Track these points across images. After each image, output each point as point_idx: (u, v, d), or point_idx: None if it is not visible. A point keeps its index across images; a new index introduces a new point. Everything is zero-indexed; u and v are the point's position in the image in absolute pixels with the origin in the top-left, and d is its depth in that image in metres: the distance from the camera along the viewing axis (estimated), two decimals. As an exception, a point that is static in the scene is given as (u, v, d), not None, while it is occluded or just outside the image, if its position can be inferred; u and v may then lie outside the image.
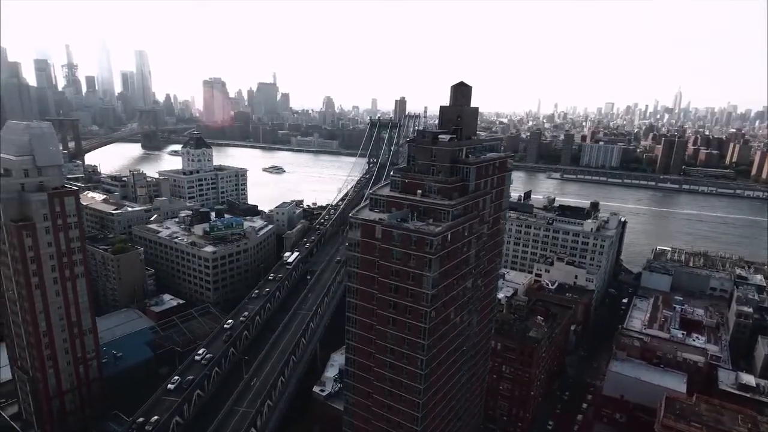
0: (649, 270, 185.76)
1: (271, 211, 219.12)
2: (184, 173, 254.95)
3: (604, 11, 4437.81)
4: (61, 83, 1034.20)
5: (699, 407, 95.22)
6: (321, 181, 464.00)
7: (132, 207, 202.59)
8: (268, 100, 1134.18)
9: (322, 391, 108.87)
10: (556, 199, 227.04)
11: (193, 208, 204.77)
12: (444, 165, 70.70)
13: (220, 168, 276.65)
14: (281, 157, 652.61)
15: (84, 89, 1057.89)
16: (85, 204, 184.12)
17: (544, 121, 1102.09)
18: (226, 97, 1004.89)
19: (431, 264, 61.70)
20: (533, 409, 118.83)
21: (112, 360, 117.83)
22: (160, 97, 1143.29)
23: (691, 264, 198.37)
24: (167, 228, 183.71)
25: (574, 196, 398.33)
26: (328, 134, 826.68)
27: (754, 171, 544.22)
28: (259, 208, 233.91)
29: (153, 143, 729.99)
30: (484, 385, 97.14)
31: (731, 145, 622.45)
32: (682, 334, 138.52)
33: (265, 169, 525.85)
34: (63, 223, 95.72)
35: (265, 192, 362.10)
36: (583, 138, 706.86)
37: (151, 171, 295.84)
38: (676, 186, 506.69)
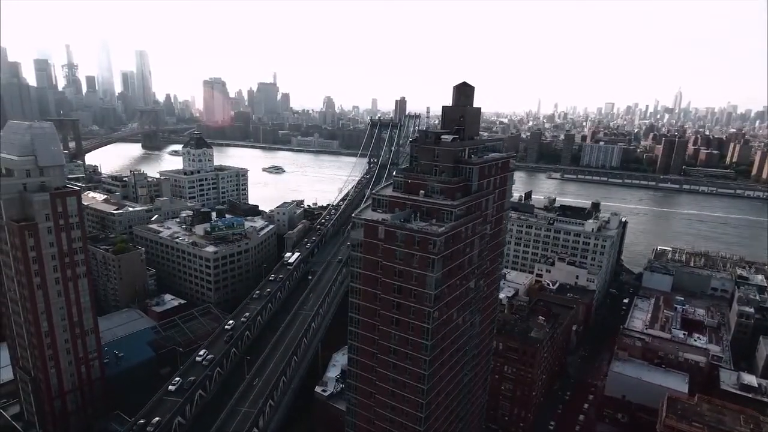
0: (650, 270, 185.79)
1: (272, 211, 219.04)
2: (185, 173, 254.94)
3: (604, 11, 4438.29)
4: (61, 83, 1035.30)
5: (701, 407, 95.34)
6: (321, 181, 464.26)
7: (133, 207, 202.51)
8: (269, 100, 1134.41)
9: (324, 391, 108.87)
10: (557, 199, 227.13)
11: (194, 208, 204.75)
12: (447, 165, 70.66)
13: (221, 168, 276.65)
14: (281, 157, 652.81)
15: (84, 89, 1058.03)
16: (86, 204, 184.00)
17: (545, 121, 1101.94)
18: (226, 97, 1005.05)
19: (434, 264, 61.68)
20: (535, 409, 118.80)
21: (114, 360, 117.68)
22: (161, 97, 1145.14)
23: (691, 264, 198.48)
24: (168, 228, 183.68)
25: (574, 196, 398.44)
26: (329, 134, 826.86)
27: (754, 171, 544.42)
28: (260, 208, 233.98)
29: (153, 143, 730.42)
30: (486, 385, 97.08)
31: (731, 145, 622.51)
32: (684, 334, 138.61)
33: (264, 169, 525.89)
34: (65, 223, 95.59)
35: (266, 192, 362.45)
36: (584, 138, 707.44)
37: (152, 171, 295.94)
38: (677, 186, 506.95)
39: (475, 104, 79.45)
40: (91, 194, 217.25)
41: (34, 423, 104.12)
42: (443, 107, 78.45)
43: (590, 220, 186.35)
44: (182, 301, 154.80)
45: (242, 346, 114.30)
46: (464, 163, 71.84)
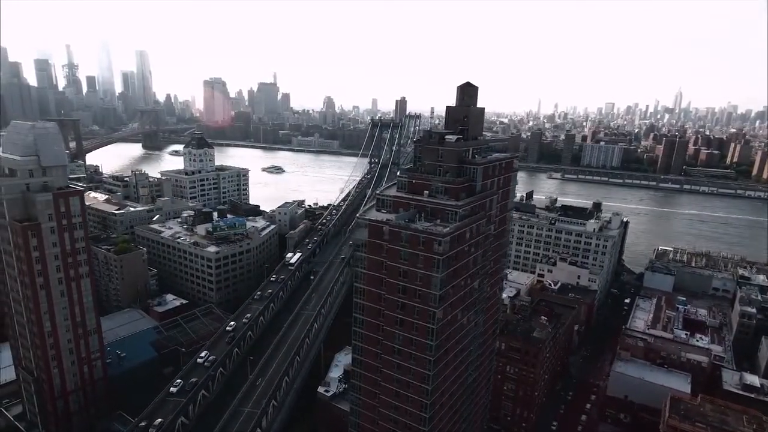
0: (651, 270, 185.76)
1: (273, 211, 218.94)
2: (186, 173, 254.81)
3: (604, 11, 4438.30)
4: (61, 83, 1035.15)
5: (704, 408, 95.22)
6: (322, 181, 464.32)
7: (134, 207, 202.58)
8: (269, 100, 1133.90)
9: (327, 391, 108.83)
10: (558, 199, 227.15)
11: (195, 208, 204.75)
12: (451, 165, 70.61)
13: (222, 168, 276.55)
14: (282, 157, 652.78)
15: (84, 89, 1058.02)
16: (87, 204, 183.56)
17: (545, 121, 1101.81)
18: (226, 97, 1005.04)
19: (439, 265, 61.63)
20: (537, 409, 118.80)
21: (116, 360, 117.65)
22: (161, 97, 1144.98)
23: (693, 264, 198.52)
24: (170, 228, 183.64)
25: (575, 196, 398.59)
26: (329, 134, 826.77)
27: (754, 171, 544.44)
28: (261, 209, 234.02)
29: (154, 143, 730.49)
30: (489, 385, 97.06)
31: (732, 145, 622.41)
32: (686, 334, 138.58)
33: (264, 169, 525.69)
34: (68, 223, 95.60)
35: (267, 192, 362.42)
36: (584, 138, 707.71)
37: (152, 171, 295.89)
38: (677, 186, 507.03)
39: (477, 104, 79.41)
40: (93, 194, 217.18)
41: (36, 423, 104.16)
42: (447, 107, 78.43)
43: (592, 220, 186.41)
44: (184, 301, 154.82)
45: (245, 347, 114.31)
46: (468, 164, 71.81)
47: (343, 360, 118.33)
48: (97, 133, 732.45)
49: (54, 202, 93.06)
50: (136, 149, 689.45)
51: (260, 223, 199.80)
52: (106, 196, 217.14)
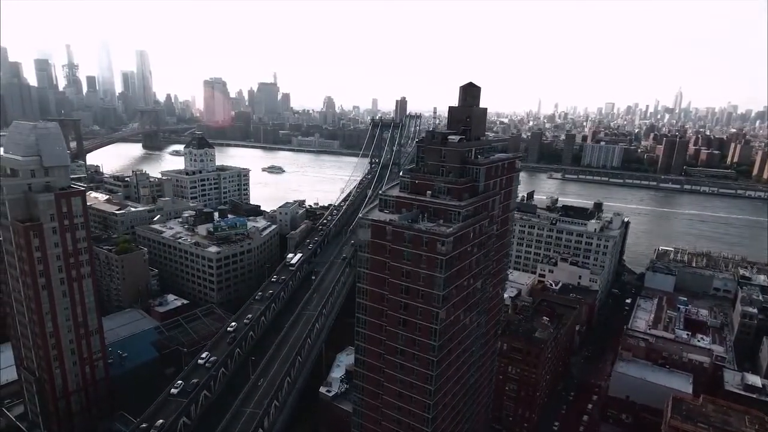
0: (652, 270, 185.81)
1: (274, 211, 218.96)
2: (187, 173, 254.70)
3: (604, 11, 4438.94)
4: (62, 83, 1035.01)
5: (706, 408, 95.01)
6: (322, 181, 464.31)
7: (135, 207, 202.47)
8: (269, 100, 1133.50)
9: (329, 391, 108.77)
10: (559, 199, 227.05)
11: (196, 208, 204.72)
12: (454, 166, 70.58)
13: (223, 168, 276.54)
14: (282, 157, 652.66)
15: (85, 89, 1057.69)
16: (88, 204, 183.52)
17: (545, 121, 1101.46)
18: (226, 97, 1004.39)
19: (443, 265, 61.61)
20: (539, 409, 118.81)
21: (118, 360, 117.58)
22: (161, 97, 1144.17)
23: (693, 264, 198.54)
24: (171, 228, 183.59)
25: (575, 197, 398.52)
26: (329, 134, 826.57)
27: (755, 171, 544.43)
28: (262, 209, 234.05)
29: (154, 143, 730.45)
30: (491, 386, 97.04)
31: (732, 145, 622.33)
32: (687, 334, 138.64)
33: (264, 169, 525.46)
34: (70, 224, 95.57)
35: (267, 192, 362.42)
36: (584, 138, 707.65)
37: (153, 171, 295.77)
38: (678, 186, 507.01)
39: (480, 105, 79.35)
40: (94, 194, 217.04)
41: (38, 423, 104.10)
42: (449, 107, 78.41)
43: (593, 221, 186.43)
44: (185, 302, 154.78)
45: (246, 347, 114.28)
46: (471, 164, 71.77)
47: (344, 360, 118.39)
48: (98, 133, 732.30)
49: (56, 202, 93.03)
50: (136, 149, 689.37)
51: (261, 223, 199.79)
52: (107, 196, 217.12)
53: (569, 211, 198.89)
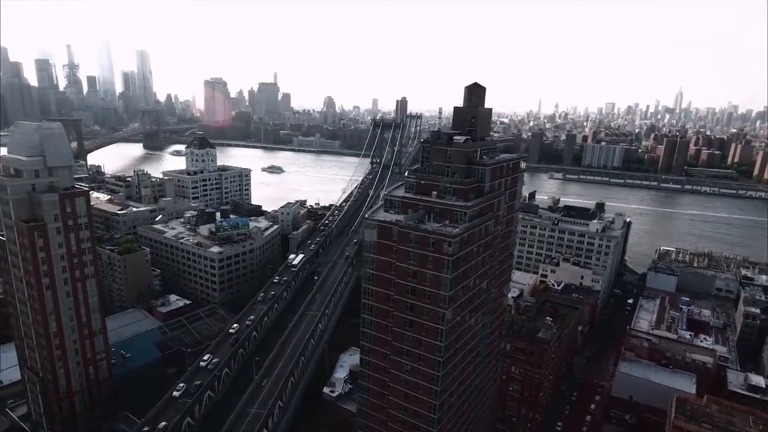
0: (654, 270, 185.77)
1: (275, 211, 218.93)
2: (188, 173, 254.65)
3: (605, 11, 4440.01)
4: (62, 83, 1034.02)
5: (710, 408, 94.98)
6: (323, 181, 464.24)
7: (137, 207, 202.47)
8: (269, 100, 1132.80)
9: (332, 392, 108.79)
10: (560, 199, 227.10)
11: (198, 208, 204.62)
12: (459, 166, 70.55)
13: (224, 168, 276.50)
14: (283, 157, 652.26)
15: (85, 89, 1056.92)
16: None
17: (545, 121, 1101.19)
18: (227, 97, 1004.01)
19: (449, 265, 61.60)
20: (542, 410, 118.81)
21: (121, 360, 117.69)
22: (162, 97, 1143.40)
23: (695, 264, 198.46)
24: (173, 228, 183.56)
25: (576, 197, 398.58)
26: (330, 134, 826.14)
27: (756, 171, 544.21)
28: (263, 209, 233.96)
29: (154, 143, 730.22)
30: (496, 386, 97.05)
31: (733, 145, 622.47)
32: (690, 334, 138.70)
33: (264, 169, 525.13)
34: (74, 224, 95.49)
35: (268, 192, 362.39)
36: (585, 138, 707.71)
37: (153, 171, 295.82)
38: (679, 186, 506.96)
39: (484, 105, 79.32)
40: (95, 194, 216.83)
41: (41, 423, 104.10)
42: (454, 108, 78.40)
43: (595, 221, 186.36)
44: (187, 302, 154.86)
45: (249, 347, 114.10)
46: (476, 164, 71.75)
47: (348, 361, 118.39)
48: (98, 133, 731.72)
49: (60, 202, 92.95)
50: (137, 149, 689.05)
51: (263, 223, 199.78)
52: (109, 197, 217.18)
53: (571, 211, 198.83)
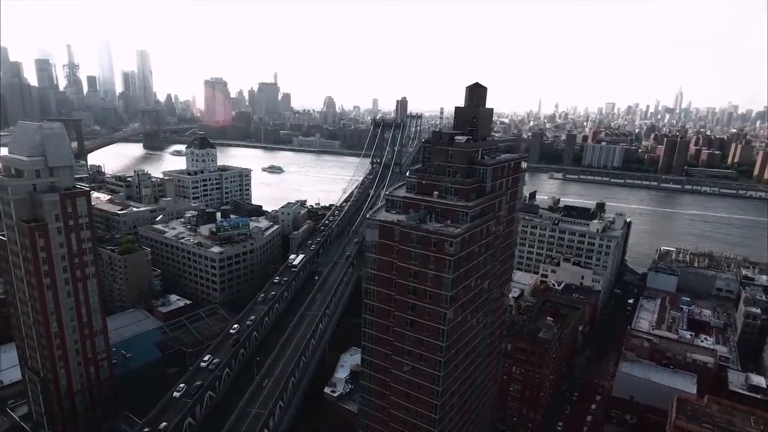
0: (654, 270, 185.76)
1: (276, 211, 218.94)
2: (189, 173, 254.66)
3: (605, 11, 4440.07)
4: (62, 83, 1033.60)
5: (711, 408, 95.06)
6: (323, 181, 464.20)
7: (137, 207, 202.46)
8: (270, 100, 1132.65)
9: (333, 392, 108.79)
10: (560, 199, 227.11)
11: (198, 208, 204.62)
12: (461, 166, 70.55)
13: (224, 168, 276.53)
14: (283, 157, 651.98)
15: (85, 89, 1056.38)
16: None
17: (545, 121, 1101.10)
18: (227, 97, 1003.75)
19: (451, 266, 61.61)
20: (543, 410, 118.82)
21: (122, 361, 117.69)
22: (162, 97, 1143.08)
23: (695, 264, 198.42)
24: (173, 228, 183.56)
25: (576, 197, 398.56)
26: (330, 134, 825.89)
27: (756, 171, 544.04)
28: (263, 209, 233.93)
29: (155, 143, 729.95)
30: (497, 386, 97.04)
31: (733, 145, 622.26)
32: (690, 335, 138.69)
33: (264, 169, 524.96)
34: (75, 224, 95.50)
35: (269, 192, 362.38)
36: (585, 138, 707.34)
37: (154, 171, 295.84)
38: (679, 186, 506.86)
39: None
40: (96, 194, 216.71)
41: (42, 423, 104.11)
42: (456, 108, 78.40)
43: (595, 221, 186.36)
44: (188, 302, 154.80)
45: (250, 347, 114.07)
46: (478, 164, 71.77)
47: (348, 361, 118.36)
48: (99, 133, 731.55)
49: (61, 202, 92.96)
50: (137, 149, 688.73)
51: (263, 223, 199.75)
52: (109, 197, 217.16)
53: (571, 211, 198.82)
